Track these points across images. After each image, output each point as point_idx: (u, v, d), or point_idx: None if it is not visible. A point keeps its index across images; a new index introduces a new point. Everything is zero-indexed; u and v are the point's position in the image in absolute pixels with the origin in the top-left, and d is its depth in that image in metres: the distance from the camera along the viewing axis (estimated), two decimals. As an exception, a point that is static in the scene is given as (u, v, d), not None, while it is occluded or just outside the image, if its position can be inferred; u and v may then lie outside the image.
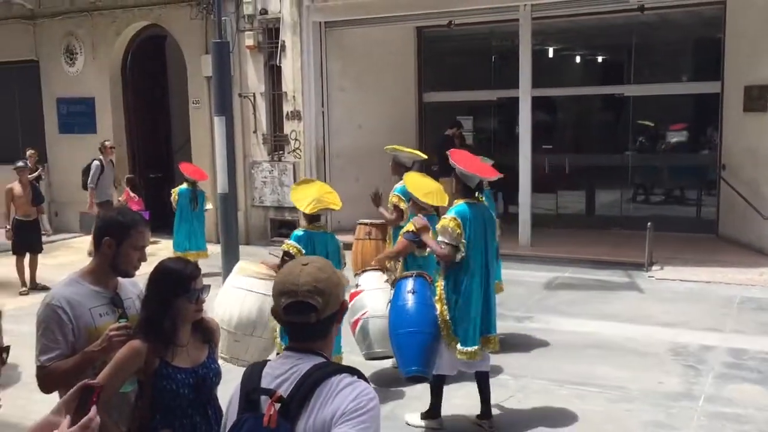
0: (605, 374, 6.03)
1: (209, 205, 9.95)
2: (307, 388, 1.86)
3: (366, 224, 7.20)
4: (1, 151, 14.59)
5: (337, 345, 5.40)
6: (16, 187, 9.21)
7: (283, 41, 11.45)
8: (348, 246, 6.45)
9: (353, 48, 12.06)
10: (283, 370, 1.93)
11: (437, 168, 12.41)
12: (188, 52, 12.25)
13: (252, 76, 11.87)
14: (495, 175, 5.39)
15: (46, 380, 2.76)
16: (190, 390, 2.69)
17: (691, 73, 12.52)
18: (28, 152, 12.23)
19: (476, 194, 5.03)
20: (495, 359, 6.41)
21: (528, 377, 6.01)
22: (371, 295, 5.43)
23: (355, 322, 5.43)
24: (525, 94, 10.57)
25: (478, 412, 5.19)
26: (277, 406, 1.85)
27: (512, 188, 11.50)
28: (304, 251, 5.10)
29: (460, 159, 5.08)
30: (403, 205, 6.27)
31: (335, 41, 11.84)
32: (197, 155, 12.33)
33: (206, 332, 2.84)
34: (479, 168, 5.15)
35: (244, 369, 2.05)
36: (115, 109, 13.14)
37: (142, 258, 2.94)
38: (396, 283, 5.01)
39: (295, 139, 11.64)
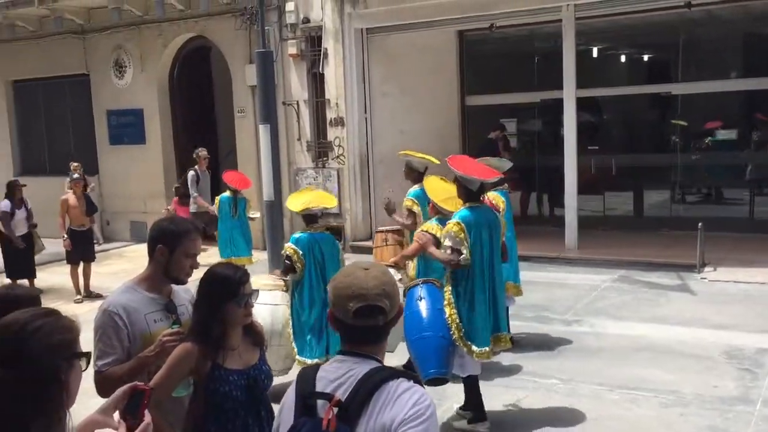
0: (657, 378, 5.91)
1: (257, 213, 10.08)
2: (365, 392, 1.88)
3: (382, 231, 7.41)
4: (54, 163, 15.10)
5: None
6: (71, 198, 9.48)
7: (326, 49, 11.56)
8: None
9: (395, 53, 12.10)
10: (338, 374, 1.95)
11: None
12: (233, 62, 12.45)
13: (295, 84, 12.00)
14: (494, 176, 5.44)
15: (103, 384, 2.82)
16: (242, 392, 2.74)
17: (740, 70, 12.23)
18: (73, 165, 12.57)
19: (479, 197, 5.11)
20: (544, 362, 6.37)
21: (577, 381, 5.94)
22: None
23: None
24: (569, 94, 10.46)
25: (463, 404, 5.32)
26: (336, 410, 1.86)
27: (558, 190, 11.41)
28: (301, 253, 5.41)
29: (459, 163, 5.16)
30: (416, 209, 6.41)
31: (377, 47, 11.90)
32: (243, 163, 12.52)
33: (256, 336, 2.89)
34: (478, 170, 5.21)
35: (297, 373, 2.07)
36: (163, 119, 13.43)
37: (194, 265, 3.01)
38: (406, 293, 5.09)
39: (339, 146, 11.72)
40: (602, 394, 5.67)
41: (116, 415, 1.95)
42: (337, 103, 11.62)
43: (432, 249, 5.14)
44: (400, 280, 5.59)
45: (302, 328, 5.57)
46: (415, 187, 6.60)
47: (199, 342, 2.71)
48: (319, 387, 1.94)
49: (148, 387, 2.00)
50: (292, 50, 11.76)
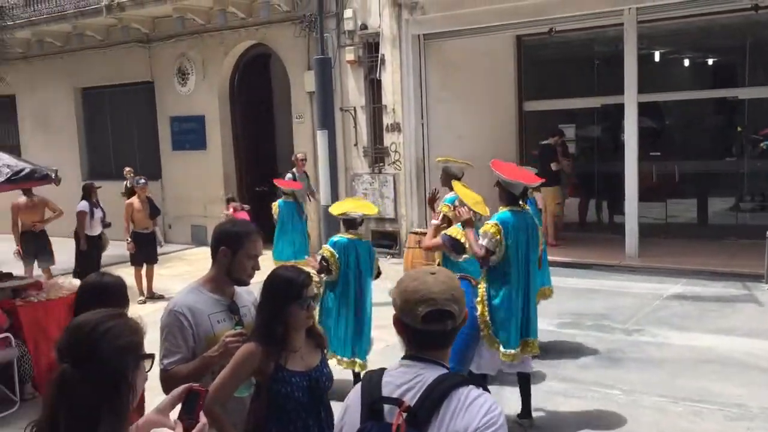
0: (723, 391, 5.73)
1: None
2: (435, 398, 1.86)
3: (416, 233, 7.53)
4: (119, 167, 15.50)
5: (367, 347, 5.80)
6: (136, 202, 9.77)
7: (383, 55, 11.62)
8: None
9: (452, 58, 12.07)
10: (406, 379, 1.93)
11: (545, 177, 12.22)
12: (292, 68, 12.62)
13: (353, 90, 12.10)
14: (537, 181, 5.63)
15: (168, 383, 2.88)
16: (303, 393, 2.77)
17: (812, 73, 11.78)
18: (126, 169, 12.99)
19: (520, 202, 5.20)
20: (604, 372, 6.25)
21: (639, 392, 5.80)
22: None
23: None
24: (631, 99, 10.25)
25: (519, 412, 5.30)
26: (405, 415, 1.85)
27: (618, 197, 11.18)
28: (337, 255, 5.59)
29: (502, 168, 5.25)
30: (451, 215, 6.39)
31: (434, 52, 11.89)
32: (300, 168, 12.67)
33: (318, 338, 2.92)
34: (521, 175, 5.32)
35: (362, 376, 2.07)
36: (223, 125, 13.70)
37: (256, 266, 3.07)
38: None
39: (395, 151, 11.75)
40: (665, 407, 5.52)
41: (173, 415, 1.99)
42: (393, 109, 11.65)
43: (469, 233, 5.14)
44: None
45: (327, 330, 5.63)
46: (451, 194, 6.66)
47: (263, 343, 2.75)
48: (385, 391, 1.93)
49: (204, 388, 2.03)
50: (350, 56, 11.86)
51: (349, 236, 5.76)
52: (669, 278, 9.37)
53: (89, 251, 9.68)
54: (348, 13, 11.82)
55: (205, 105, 13.75)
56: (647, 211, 11.63)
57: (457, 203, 6.39)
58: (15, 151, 14.08)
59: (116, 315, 1.94)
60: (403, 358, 2.01)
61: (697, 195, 12.47)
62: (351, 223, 5.83)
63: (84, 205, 9.72)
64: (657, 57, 12.90)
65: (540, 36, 12.12)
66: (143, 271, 9.90)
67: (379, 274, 5.97)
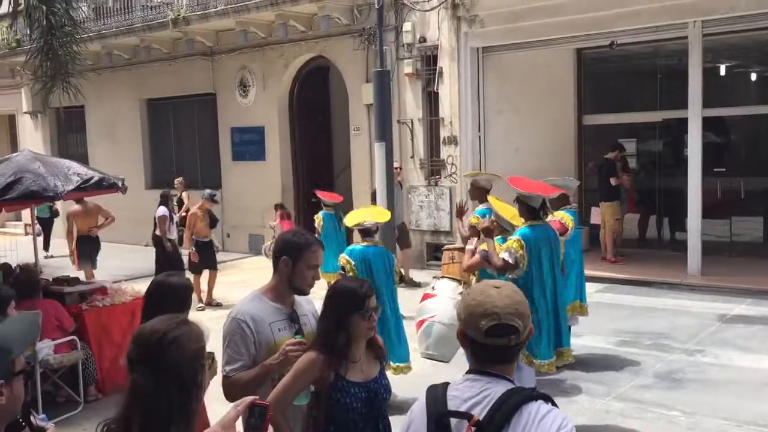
0: (791, 416, 5.53)
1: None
2: (504, 413, 1.85)
3: (450, 249, 7.53)
4: (183, 176, 15.95)
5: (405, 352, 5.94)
6: (199, 213, 10.12)
7: (441, 68, 11.64)
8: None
9: (511, 71, 12.02)
10: (472, 393, 1.93)
11: (598, 192, 12.06)
12: (350, 81, 12.76)
13: (410, 103, 12.15)
14: (554, 193, 5.72)
15: (230, 389, 2.94)
16: (362, 404, 2.79)
17: None
18: (177, 180, 13.36)
19: (540, 214, 5.34)
20: (664, 393, 6.10)
21: (701, 415, 5.63)
22: (442, 302, 5.91)
23: (421, 322, 5.96)
24: (695, 114, 10.00)
25: None
26: (474, 429, 1.85)
27: (680, 213, 10.91)
28: (354, 263, 5.79)
29: (520, 182, 5.44)
30: (479, 226, 6.45)
31: (493, 65, 11.86)
32: (356, 180, 12.78)
33: (379, 350, 2.94)
34: (538, 188, 5.47)
35: (426, 390, 2.05)
36: (282, 136, 13.93)
37: (316, 276, 3.12)
38: None
39: (452, 164, 11.74)
40: (729, 430, 5.36)
41: (239, 427, 2.01)
42: (451, 122, 11.65)
43: (491, 245, 5.32)
44: (461, 293, 5.81)
45: None
46: (481, 206, 6.86)
47: (324, 352, 2.78)
48: (451, 405, 1.93)
49: (267, 403, 2.06)
50: (408, 69, 11.92)
51: (366, 244, 6.01)
52: (733, 298, 9.09)
53: (173, 253, 10.05)
54: (407, 26, 11.90)
55: (264, 116, 14.00)
56: (710, 229, 11.32)
57: (492, 217, 6.50)
58: (83, 159, 14.59)
59: (182, 322, 2.01)
60: (468, 372, 2.00)
61: (763, 213, 12.07)
62: (366, 232, 6.10)
63: (164, 210, 10.20)
64: (723, 71, 12.58)
65: (601, 49, 11.96)
66: (202, 279, 10.12)
67: (401, 278, 6.14)
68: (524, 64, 12.01)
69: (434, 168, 12.06)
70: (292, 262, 3.03)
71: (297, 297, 3.13)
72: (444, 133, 11.78)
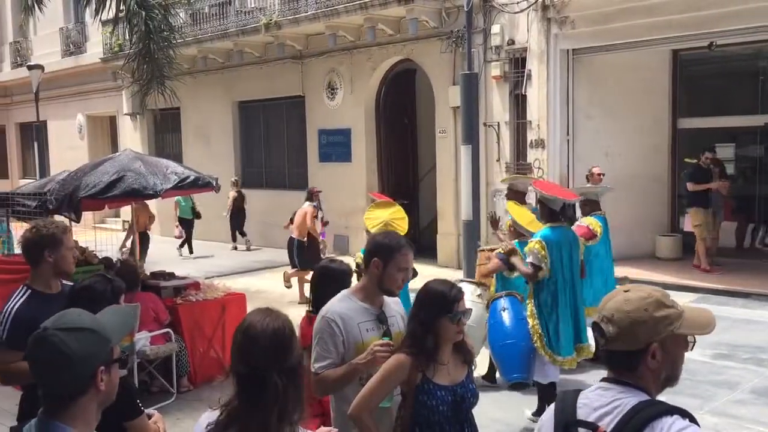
0: None
1: None
2: (634, 426, 1.77)
3: (485, 251, 7.48)
4: (271, 177, 16.39)
5: None
6: (312, 212, 10.51)
7: (530, 70, 11.47)
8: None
9: (602, 74, 11.73)
10: (602, 402, 1.87)
11: (686, 197, 11.55)
12: (437, 83, 12.76)
13: (497, 106, 12.04)
14: (575, 198, 5.93)
15: (319, 386, 3.01)
16: (448, 407, 2.79)
17: None
18: (233, 179, 13.66)
19: (560, 217, 5.54)
20: (763, 409, 5.82)
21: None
22: None
23: None
24: (800, 118, 9.51)
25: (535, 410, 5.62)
26: None
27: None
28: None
29: (541, 185, 5.74)
30: (503, 247, 6.58)
31: (583, 67, 11.61)
32: (442, 183, 12.76)
33: (467, 354, 2.93)
34: (560, 191, 5.72)
35: (557, 396, 2.03)
36: (368, 139, 14.06)
37: (406, 278, 3.14)
38: (490, 305, 5.73)
39: (539, 168, 11.55)
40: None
41: None
42: (539, 125, 11.47)
43: (516, 259, 5.59)
44: (479, 295, 6.16)
45: None
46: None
47: (412, 354, 2.80)
48: (581, 414, 1.88)
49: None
50: (496, 72, 11.81)
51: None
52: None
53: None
54: (495, 28, 11.80)
55: (351, 118, 14.18)
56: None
57: (509, 222, 6.53)
58: (177, 158, 15.20)
59: (280, 318, 2.11)
60: (602, 380, 1.95)
61: None
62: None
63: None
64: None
65: (699, 50, 11.52)
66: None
67: (415, 274, 6.06)
68: (616, 66, 11.69)
69: (519, 171, 11.87)
70: (383, 263, 3.05)
71: (386, 297, 3.16)
72: (531, 136, 11.61)
